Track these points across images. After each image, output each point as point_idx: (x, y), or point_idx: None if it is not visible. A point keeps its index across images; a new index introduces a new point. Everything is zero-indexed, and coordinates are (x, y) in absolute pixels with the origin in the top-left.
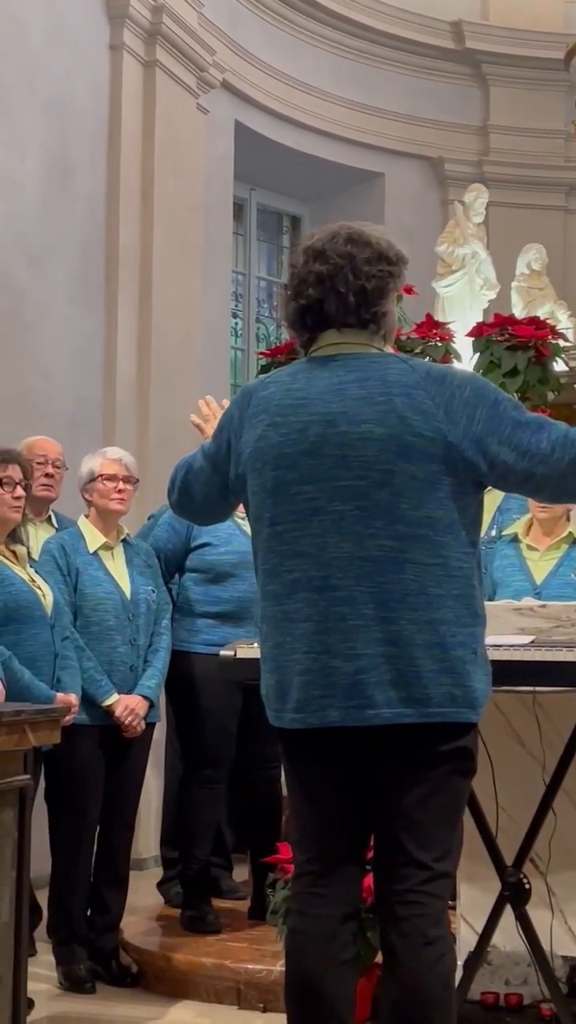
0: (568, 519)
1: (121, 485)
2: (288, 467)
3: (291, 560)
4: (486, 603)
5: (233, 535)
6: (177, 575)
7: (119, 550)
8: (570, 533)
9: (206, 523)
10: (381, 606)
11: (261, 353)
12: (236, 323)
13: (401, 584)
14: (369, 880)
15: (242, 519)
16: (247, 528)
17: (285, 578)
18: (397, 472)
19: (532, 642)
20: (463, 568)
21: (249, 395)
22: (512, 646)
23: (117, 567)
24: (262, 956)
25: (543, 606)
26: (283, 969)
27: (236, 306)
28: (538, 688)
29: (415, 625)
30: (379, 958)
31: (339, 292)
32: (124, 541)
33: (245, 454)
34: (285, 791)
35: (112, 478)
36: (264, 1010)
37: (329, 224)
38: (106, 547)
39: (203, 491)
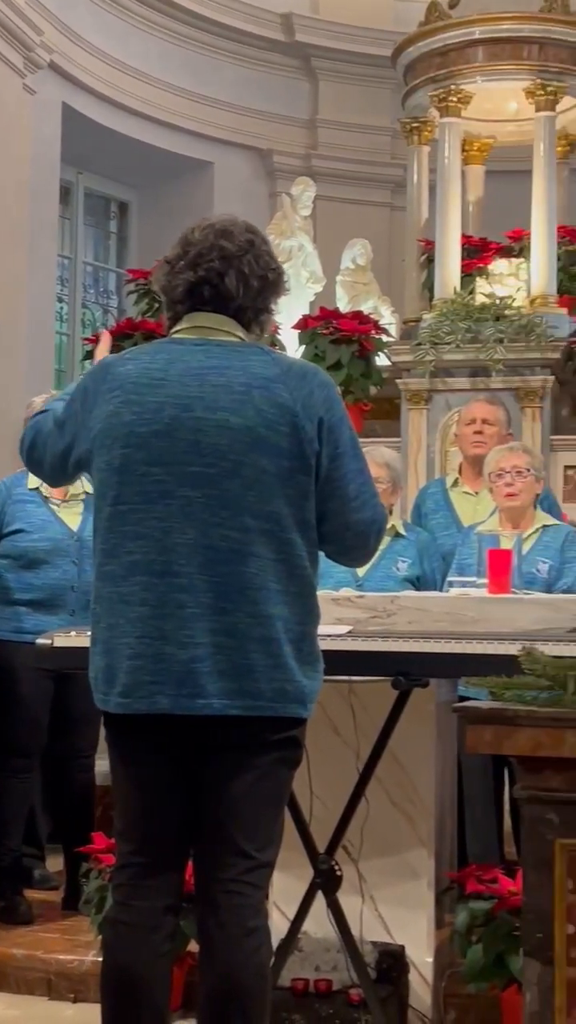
0: (392, 512)
1: None
2: (138, 447)
3: (132, 542)
4: None
5: (48, 522)
6: None
7: None
8: (392, 526)
9: (57, 484)
10: (221, 597)
11: (86, 339)
12: (61, 308)
13: (242, 577)
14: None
15: (56, 505)
16: (63, 514)
17: (124, 559)
18: (248, 464)
19: (349, 632)
20: (305, 567)
21: (106, 369)
22: (329, 636)
23: None
24: (74, 947)
25: (360, 597)
26: (95, 959)
27: (62, 290)
28: (354, 678)
29: (253, 619)
30: (192, 946)
31: (243, 272)
32: None
33: (95, 429)
34: (102, 781)
35: None
36: (75, 1000)
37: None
38: None
39: (51, 457)
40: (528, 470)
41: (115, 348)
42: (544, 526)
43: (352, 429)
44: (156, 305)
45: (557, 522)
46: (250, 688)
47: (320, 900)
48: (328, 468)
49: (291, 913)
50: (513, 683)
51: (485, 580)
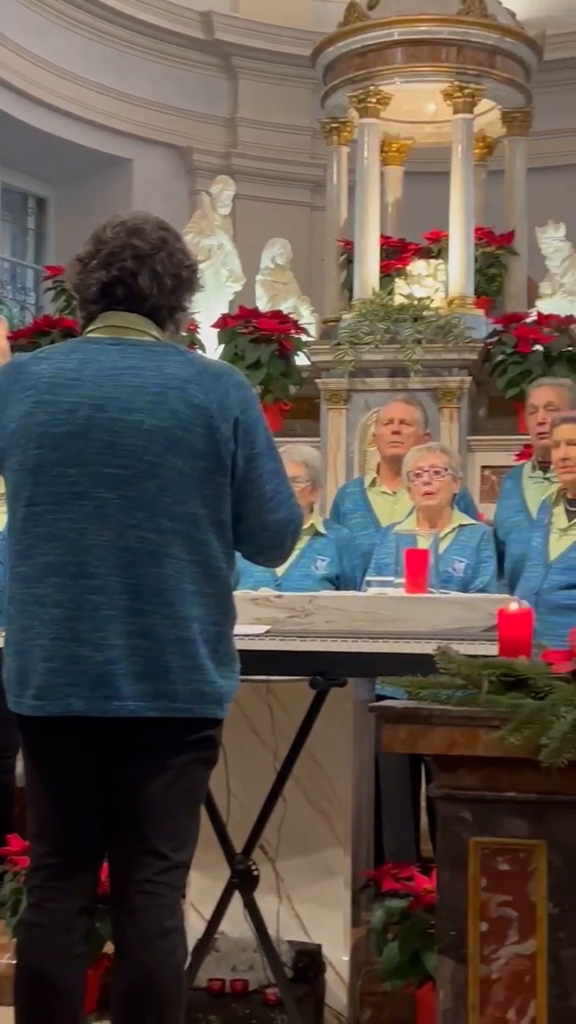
0: (312, 510)
1: None
2: (52, 447)
3: (47, 543)
4: None
5: None
6: None
7: None
8: (312, 525)
9: None
10: (136, 598)
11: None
12: None
13: (158, 578)
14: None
15: None
16: None
17: (38, 561)
18: (164, 465)
19: (267, 632)
20: (221, 568)
21: (19, 368)
22: (247, 636)
23: None
24: None
25: (279, 596)
26: (10, 962)
27: None
28: (272, 678)
29: (168, 620)
30: (109, 948)
31: (156, 271)
32: None
33: (9, 429)
34: (22, 782)
35: None
36: None
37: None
38: None
39: None
40: (445, 470)
41: (33, 346)
42: (461, 525)
43: (268, 430)
44: (74, 303)
45: (473, 522)
46: (166, 690)
47: (237, 900)
48: (244, 469)
49: (208, 913)
50: (428, 682)
51: (403, 580)
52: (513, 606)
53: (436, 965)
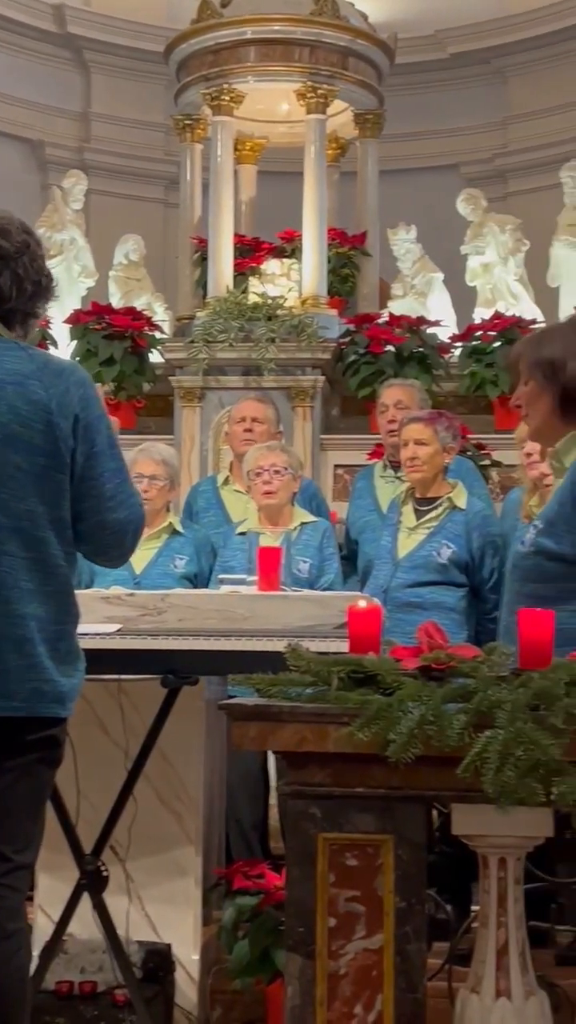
0: (169, 510)
1: None
2: None
3: None
4: (77, 592)
5: None
6: None
7: None
8: (170, 523)
9: None
10: None
11: None
12: None
13: None
14: None
15: None
16: None
17: None
18: (1, 461)
19: (119, 630)
20: (61, 566)
21: None
22: (99, 635)
23: None
24: None
25: (131, 594)
26: None
27: None
28: (123, 676)
29: (6, 619)
30: None
31: (18, 274)
32: None
33: None
34: None
35: None
36: None
37: None
38: None
39: None
40: (285, 468)
41: None
42: (302, 524)
43: (110, 428)
44: None
45: (315, 519)
46: (4, 690)
47: (86, 901)
48: (83, 467)
49: (56, 915)
50: (279, 680)
51: (255, 578)
52: (362, 603)
53: (284, 962)
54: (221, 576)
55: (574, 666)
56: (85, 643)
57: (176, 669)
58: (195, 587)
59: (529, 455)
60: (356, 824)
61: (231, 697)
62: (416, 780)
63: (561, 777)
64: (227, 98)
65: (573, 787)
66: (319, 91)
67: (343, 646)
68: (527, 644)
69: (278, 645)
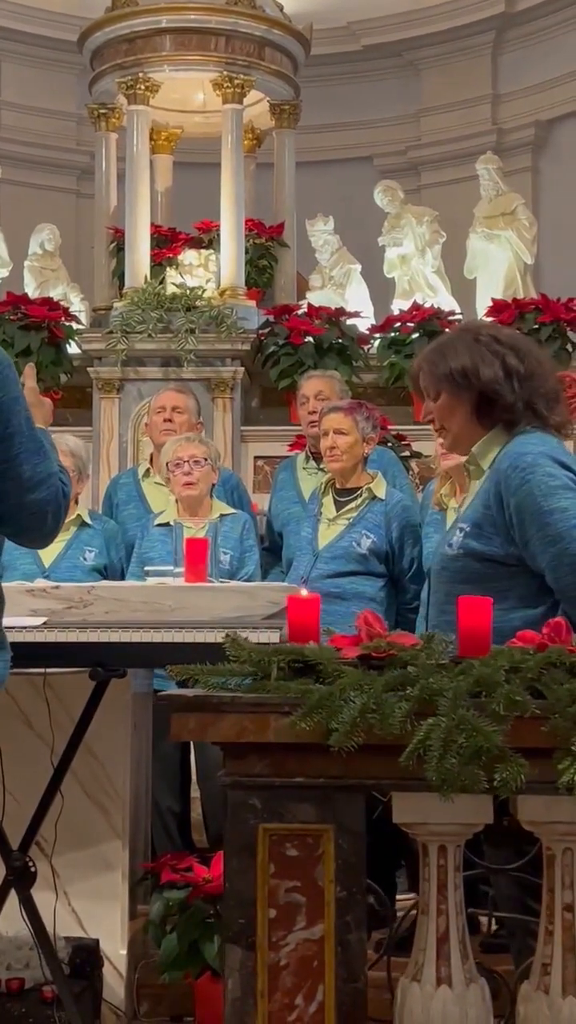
0: (77, 502)
1: None
2: None
3: None
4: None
5: None
6: None
7: None
8: (78, 515)
9: None
10: None
11: None
12: None
13: None
14: None
15: None
16: None
17: None
18: None
19: (44, 623)
20: None
21: None
22: (24, 628)
23: None
24: None
25: (56, 587)
26: None
27: None
28: (49, 670)
29: None
30: None
31: None
32: None
33: None
34: None
35: None
36: None
37: None
38: None
39: None
40: (205, 460)
41: None
42: (222, 516)
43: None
44: None
45: (234, 511)
46: None
47: (13, 898)
48: (0, 448)
49: None
50: (216, 670)
51: (182, 569)
52: (303, 592)
53: (224, 954)
54: (147, 568)
55: (514, 653)
56: (10, 636)
57: (104, 662)
58: (106, 579)
59: (443, 444)
60: (296, 814)
61: (157, 691)
62: (355, 769)
63: (503, 764)
64: (143, 87)
65: (515, 774)
66: (235, 81)
67: (273, 636)
68: (466, 632)
69: (208, 636)
